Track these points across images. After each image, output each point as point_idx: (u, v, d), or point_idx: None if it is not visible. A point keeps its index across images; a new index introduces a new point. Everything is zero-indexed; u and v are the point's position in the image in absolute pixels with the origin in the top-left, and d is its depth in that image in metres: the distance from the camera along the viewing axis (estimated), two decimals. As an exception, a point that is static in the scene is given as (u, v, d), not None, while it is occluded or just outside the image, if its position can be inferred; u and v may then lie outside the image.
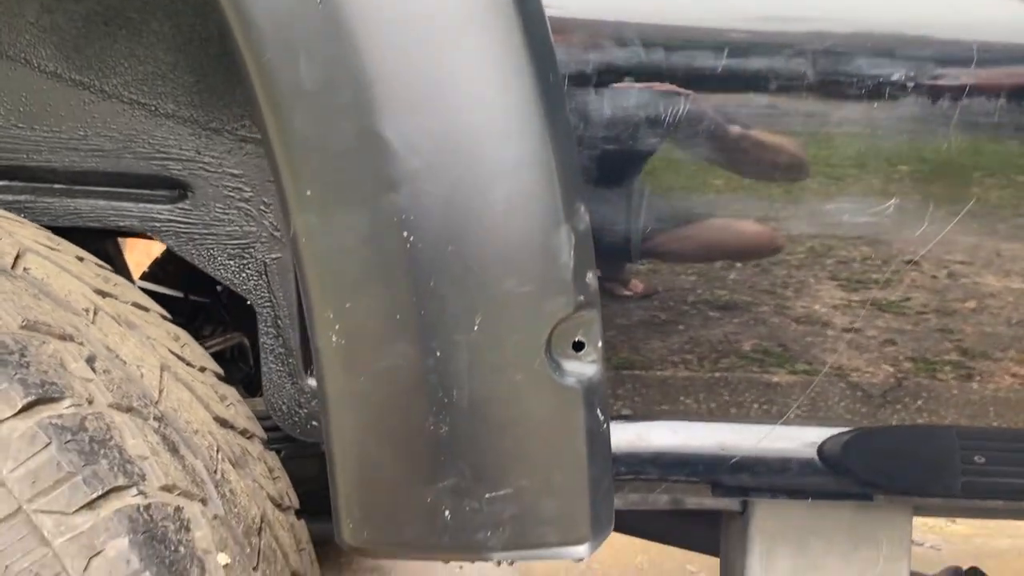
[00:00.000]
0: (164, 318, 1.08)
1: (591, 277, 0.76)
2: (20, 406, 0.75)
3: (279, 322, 1.17)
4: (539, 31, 0.74)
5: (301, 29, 0.70)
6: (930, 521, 2.80)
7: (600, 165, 0.81)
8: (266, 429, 1.17)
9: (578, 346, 0.77)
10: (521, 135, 0.72)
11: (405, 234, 0.71)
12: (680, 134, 0.82)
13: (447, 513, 0.75)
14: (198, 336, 2.10)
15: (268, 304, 1.17)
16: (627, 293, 0.92)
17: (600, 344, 0.78)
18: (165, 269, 2.33)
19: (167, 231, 1.17)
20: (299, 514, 1.09)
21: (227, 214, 1.17)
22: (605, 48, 0.79)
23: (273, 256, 1.16)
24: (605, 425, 0.79)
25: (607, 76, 0.79)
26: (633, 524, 1.65)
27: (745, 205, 0.87)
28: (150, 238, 1.29)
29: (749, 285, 0.96)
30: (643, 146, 0.82)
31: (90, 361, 0.85)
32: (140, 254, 2.39)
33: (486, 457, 0.75)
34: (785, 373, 1.00)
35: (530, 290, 0.74)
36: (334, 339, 0.73)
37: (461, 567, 2.42)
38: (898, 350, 1.00)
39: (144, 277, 2.30)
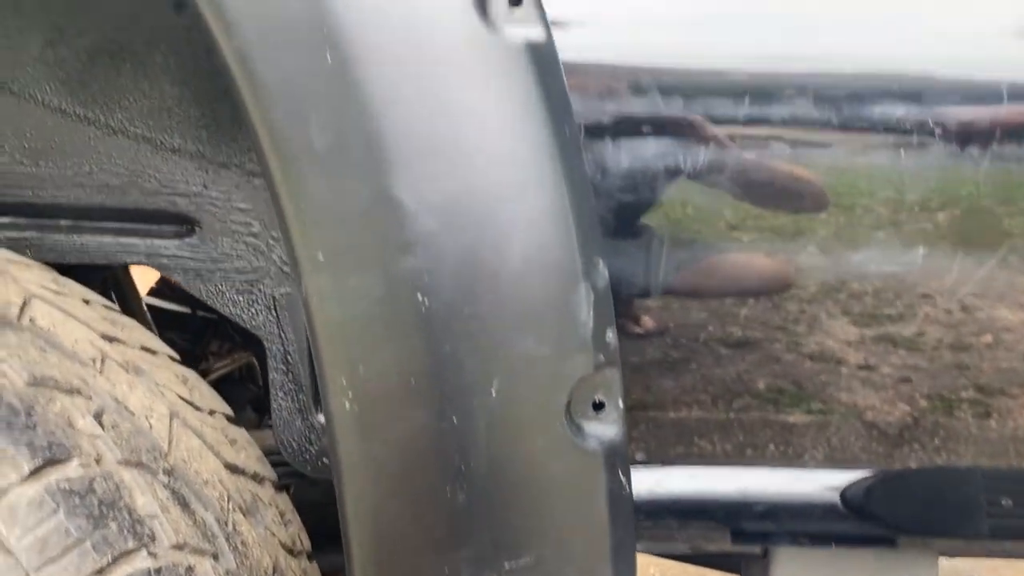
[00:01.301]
0: (172, 359, 1.06)
1: (611, 335, 0.74)
2: (28, 471, 0.73)
3: (288, 358, 1.16)
4: (555, 82, 0.72)
5: (311, 89, 0.68)
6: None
7: (618, 216, 0.79)
8: (276, 463, 1.15)
9: (598, 406, 0.75)
10: (537, 192, 0.70)
11: (420, 297, 0.69)
12: (700, 183, 0.80)
13: (466, 584, 0.73)
14: (205, 352, 2.09)
15: (278, 340, 1.15)
16: (638, 330, 0.90)
17: (621, 403, 0.76)
18: (172, 284, 2.32)
19: (175, 266, 1.16)
20: (311, 556, 1.08)
21: (235, 249, 1.15)
22: (621, 94, 0.77)
23: (282, 291, 1.14)
24: (628, 488, 0.77)
25: (624, 125, 0.77)
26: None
27: (768, 257, 0.85)
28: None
29: (762, 321, 0.94)
30: (662, 196, 0.80)
31: (98, 416, 0.83)
32: (148, 269, 2.38)
33: (505, 525, 0.73)
34: (800, 413, 0.98)
35: (549, 352, 0.72)
36: (347, 405, 0.71)
37: None
38: (913, 387, 0.98)
39: (152, 292, 2.29)
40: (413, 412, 0.71)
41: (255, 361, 2.06)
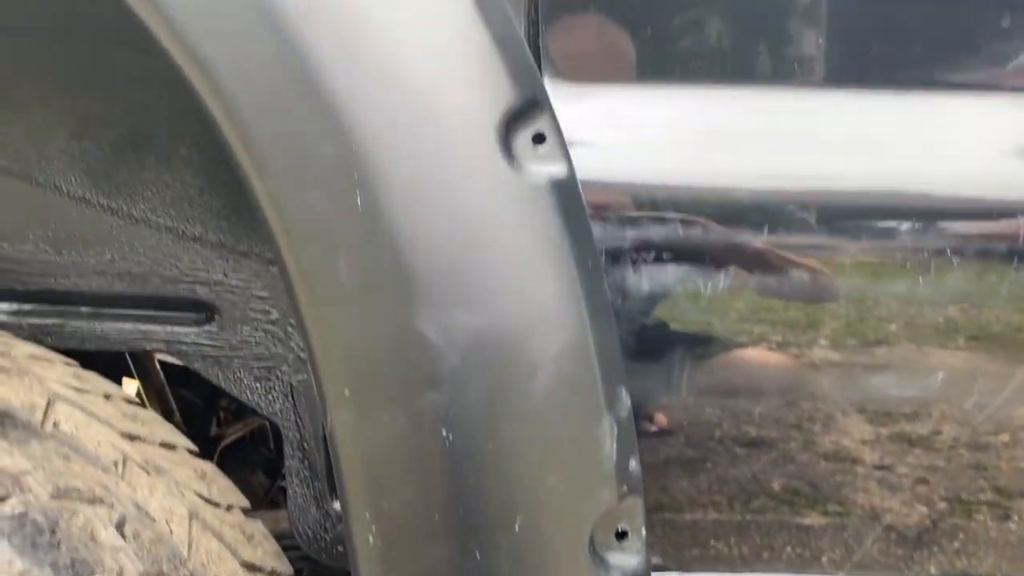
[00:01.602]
0: (191, 452, 1.07)
1: (634, 464, 0.75)
2: (51, 594, 0.74)
3: (305, 444, 1.16)
4: (577, 217, 0.73)
5: (341, 230, 0.69)
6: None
7: (639, 340, 0.80)
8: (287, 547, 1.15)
9: (621, 535, 0.75)
10: (561, 327, 0.71)
11: (444, 432, 0.70)
12: (720, 300, 0.81)
13: None
14: (217, 408, 2.09)
15: (294, 427, 1.16)
16: (651, 428, 0.90)
17: (644, 531, 0.76)
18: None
19: (194, 353, 1.17)
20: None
21: (254, 336, 1.16)
22: (641, 218, 0.78)
23: (299, 378, 1.15)
24: (651, 620, 0.77)
25: (645, 250, 0.79)
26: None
27: (788, 379, 0.86)
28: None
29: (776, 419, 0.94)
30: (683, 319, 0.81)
31: (120, 526, 0.84)
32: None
33: (527, 661, 0.73)
34: (816, 515, 0.98)
35: (572, 486, 0.73)
36: (371, 540, 0.71)
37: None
38: (931, 489, 0.98)
39: (164, 348, 2.28)
40: (436, 547, 0.71)
41: (267, 424, 2.06)
